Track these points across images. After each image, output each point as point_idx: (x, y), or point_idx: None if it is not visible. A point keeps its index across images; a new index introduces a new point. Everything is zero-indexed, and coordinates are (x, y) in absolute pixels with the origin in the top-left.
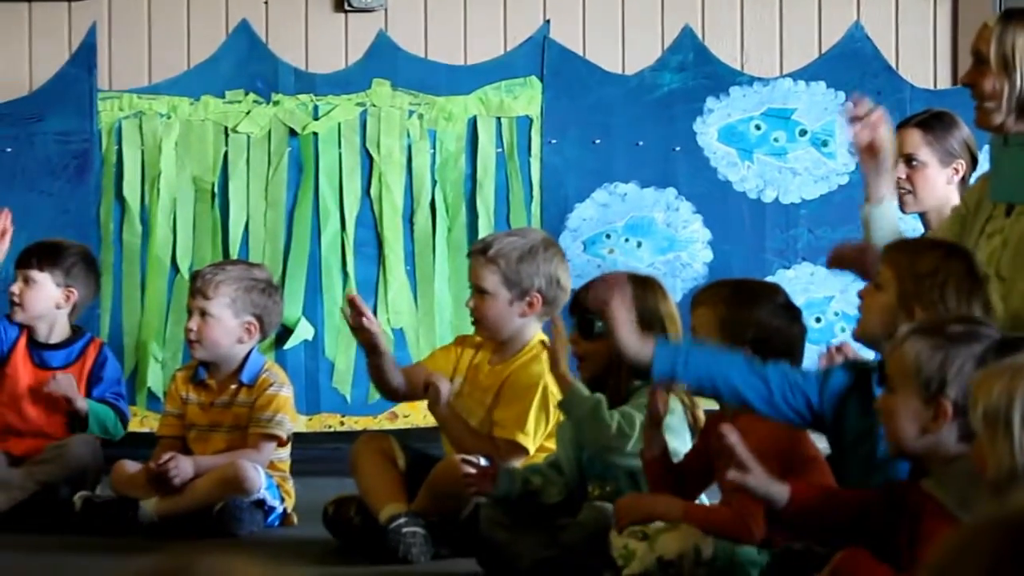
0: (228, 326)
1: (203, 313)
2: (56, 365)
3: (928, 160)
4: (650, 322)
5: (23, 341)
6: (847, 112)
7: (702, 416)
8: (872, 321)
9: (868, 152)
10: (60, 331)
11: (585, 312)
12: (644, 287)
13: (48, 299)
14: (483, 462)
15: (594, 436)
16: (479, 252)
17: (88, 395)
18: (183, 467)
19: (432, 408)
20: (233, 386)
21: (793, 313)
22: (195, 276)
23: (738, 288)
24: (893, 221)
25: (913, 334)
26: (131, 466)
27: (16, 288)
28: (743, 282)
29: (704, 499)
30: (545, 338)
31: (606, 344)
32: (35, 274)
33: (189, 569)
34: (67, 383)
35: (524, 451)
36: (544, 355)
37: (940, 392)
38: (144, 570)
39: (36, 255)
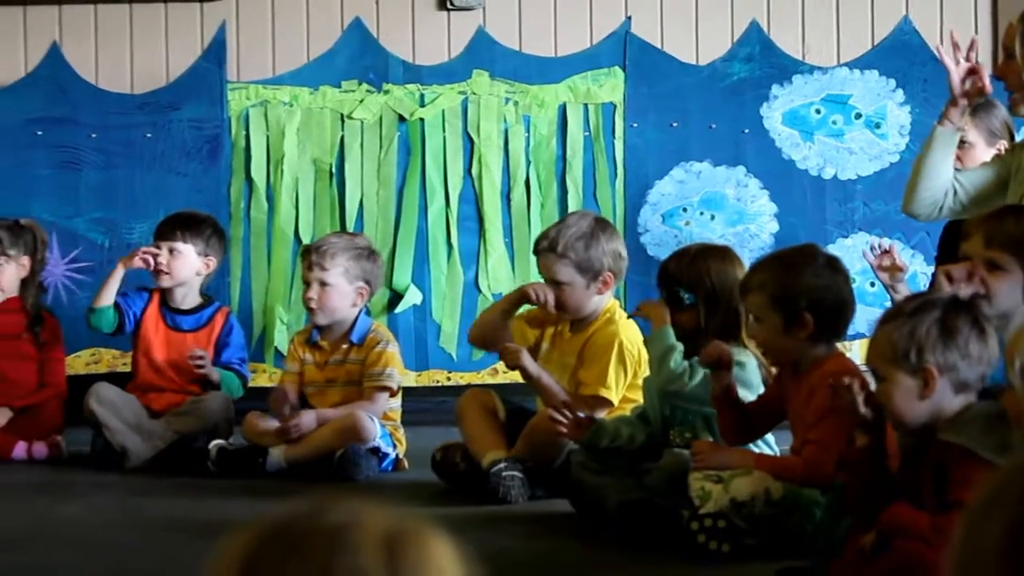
0: (344, 292)
1: (321, 283)
2: (187, 328)
3: (975, 141)
4: (731, 290)
5: (155, 305)
6: (943, 50)
7: (774, 369)
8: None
9: (968, 80)
10: (192, 297)
11: (672, 284)
12: (722, 258)
13: (190, 267)
14: (579, 413)
15: (660, 373)
16: (548, 249)
17: (216, 357)
18: (306, 422)
19: (520, 370)
20: (344, 346)
21: (834, 265)
22: (308, 250)
23: (779, 263)
24: (951, 153)
25: (879, 325)
26: (261, 417)
27: (162, 258)
28: (782, 255)
29: (771, 441)
30: (615, 304)
31: (694, 314)
32: (179, 245)
33: (323, 514)
34: (207, 365)
35: (608, 403)
36: (618, 315)
37: (920, 360)
38: (282, 514)
39: (179, 227)
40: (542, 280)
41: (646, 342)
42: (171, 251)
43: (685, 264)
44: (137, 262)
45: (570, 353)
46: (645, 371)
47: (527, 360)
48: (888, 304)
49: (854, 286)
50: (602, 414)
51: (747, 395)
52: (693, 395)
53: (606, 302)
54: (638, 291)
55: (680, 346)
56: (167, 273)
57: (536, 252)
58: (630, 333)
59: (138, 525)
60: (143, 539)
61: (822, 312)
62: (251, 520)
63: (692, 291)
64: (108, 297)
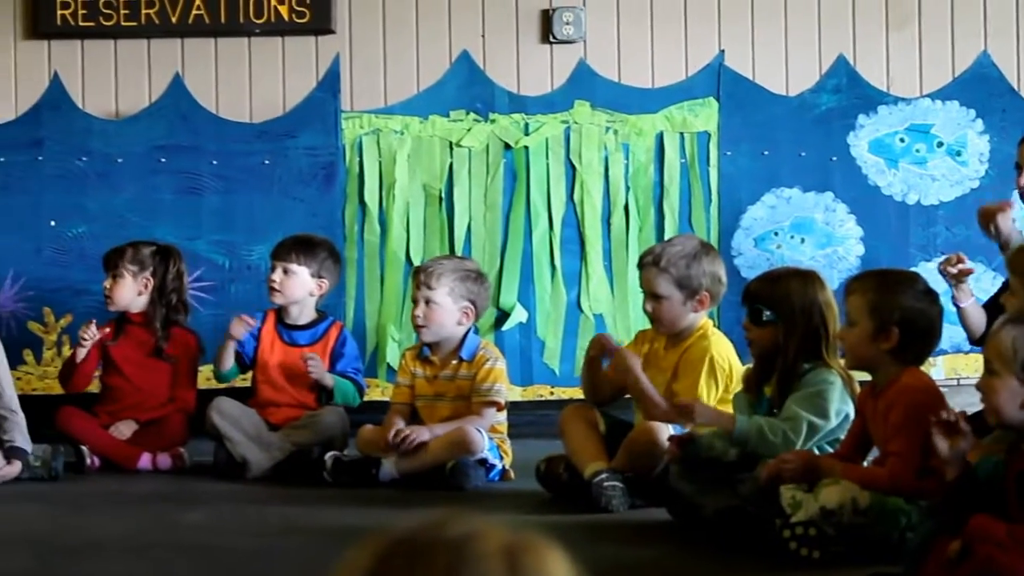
0: (449, 310)
1: (428, 301)
2: (303, 343)
3: None
4: (811, 310)
5: (271, 323)
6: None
7: (857, 387)
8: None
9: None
10: (307, 314)
11: (755, 302)
12: (805, 280)
13: (304, 287)
14: (675, 430)
15: (769, 451)
16: (651, 264)
17: (331, 369)
18: (420, 436)
19: (622, 375)
20: (454, 362)
21: (932, 296)
22: (417, 271)
23: (885, 277)
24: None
25: (1009, 323)
26: (374, 430)
27: (276, 277)
28: (889, 272)
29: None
30: (708, 323)
31: (773, 330)
32: (293, 266)
33: (446, 526)
34: (318, 367)
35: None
36: (711, 331)
37: None
38: (407, 526)
39: (295, 249)
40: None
41: (735, 441)
42: (285, 271)
43: (768, 284)
44: (241, 331)
45: (666, 369)
46: (736, 386)
47: (637, 366)
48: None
49: None
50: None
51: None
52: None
53: (700, 318)
54: (732, 311)
55: (763, 422)
56: (279, 292)
57: (640, 265)
58: (722, 349)
59: (258, 532)
60: (263, 545)
61: (910, 332)
62: (377, 531)
63: (773, 310)
64: (227, 362)
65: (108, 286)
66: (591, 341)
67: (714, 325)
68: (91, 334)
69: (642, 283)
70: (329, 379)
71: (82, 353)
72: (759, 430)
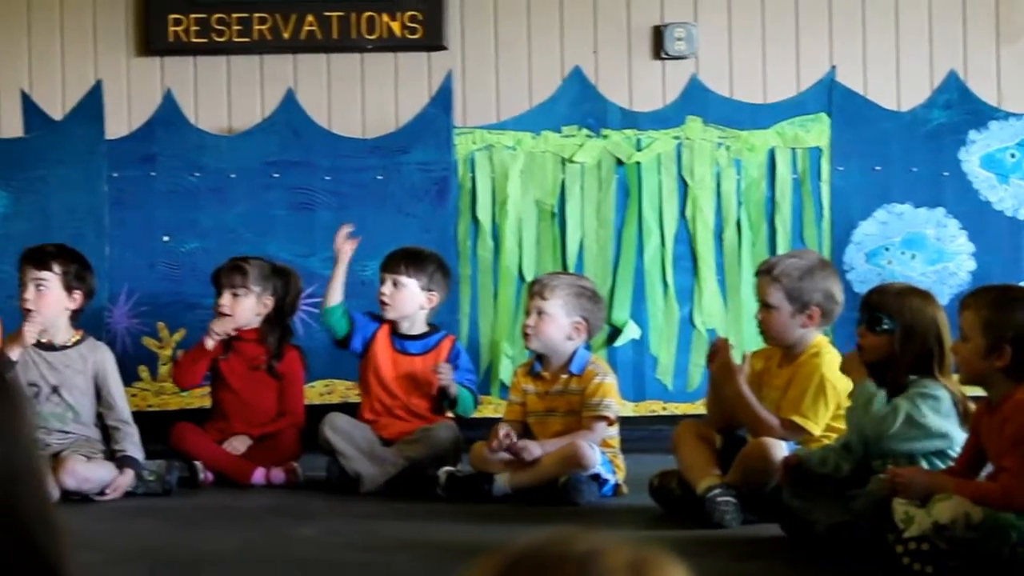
0: (560, 323)
1: (540, 312)
2: (414, 352)
3: None
4: (929, 328)
5: (385, 332)
6: None
7: (972, 405)
8: None
9: None
10: (419, 327)
11: (876, 310)
12: (923, 297)
13: (413, 300)
14: (786, 448)
15: (864, 421)
16: (765, 272)
17: None
18: (532, 451)
19: (726, 384)
20: (564, 376)
21: None
22: (534, 282)
23: (1000, 294)
24: None
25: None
26: (487, 446)
27: (386, 290)
28: (1004, 288)
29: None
30: (823, 339)
31: (888, 340)
32: (403, 278)
33: (572, 542)
34: (447, 375)
35: (805, 431)
36: (824, 350)
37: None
38: (533, 541)
39: (403, 261)
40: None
41: (850, 395)
42: (395, 284)
43: (889, 296)
44: (349, 248)
45: (779, 387)
46: (847, 402)
47: (740, 376)
48: None
49: None
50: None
51: (944, 424)
52: (897, 435)
53: (813, 337)
54: (845, 326)
55: (882, 393)
56: (390, 305)
57: (756, 273)
58: (834, 368)
59: (372, 546)
60: (377, 560)
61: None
62: (499, 546)
63: (893, 320)
64: (336, 295)
65: (227, 303)
66: (712, 347)
67: (830, 343)
68: (223, 329)
69: (756, 291)
70: (455, 389)
71: (210, 343)
72: (871, 396)
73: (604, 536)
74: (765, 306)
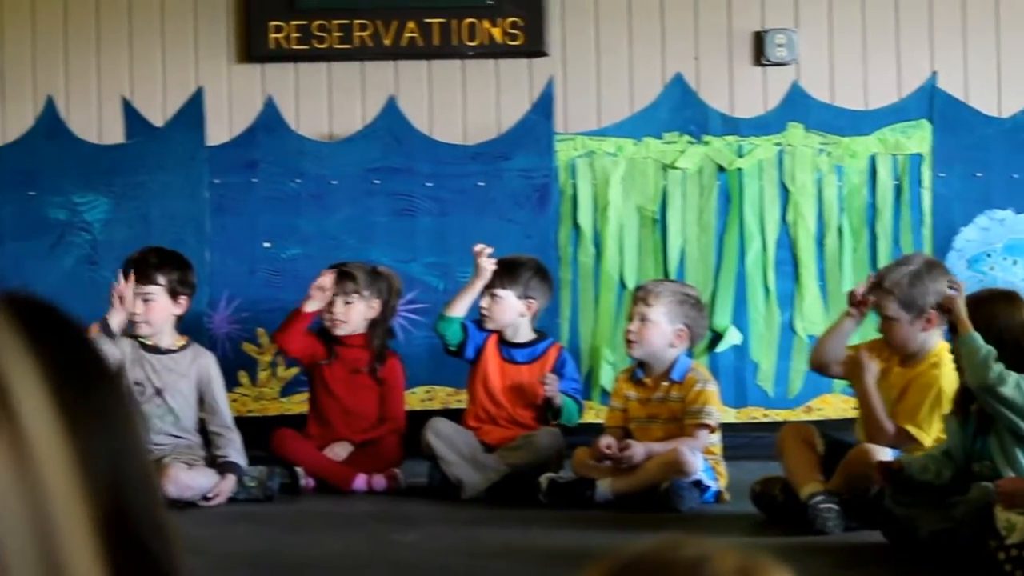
0: (663, 330)
1: (643, 318)
2: (521, 361)
3: None
4: (1016, 331)
5: (493, 340)
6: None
7: None
8: None
9: None
10: (524, 334)
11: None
12: (1008, 301)
13: (512, 310)
14: (890, 455)
15: (976, 373)
16: (876, 285)
17: None
18: (636, 452)
19: (854, 380)
20: (665, 383)
21: None
22: (638, 288)
23: None
24: None
25: None
26: (589, 452)
27: (484, 303)
28: None
29: None
30: (945, 345)
31: None
32: (498, 291)
33: (681, 548)
34: (554, 387)
35: (914, 440)
36: (944, 359)
37: None
38: (641, 546)
39: (498, 274)
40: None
41: (955, 348)
42: (492, 296)
43: (972, 307)
44: (490, 266)
45: (894, 386)
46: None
47: (870, 375)
48: None
49: None
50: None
51: None
52: (1008, 400)
53: (935, 343)
54: None
55: (994, 350)
56: (488, 316)
57: (869, 288)
58: (952, 380)
59: (474, 552)
60: (479, 566)
61: None
62: (605, 552)
63: (979, 331)
64: (461, 308)
65: (340, 311)
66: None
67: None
68: (327, 284)
69: (872, 305)
70: (559, 399)
71: (312, 306)
72: (988, 352)
73: (712, 542)
74: (884, 318)
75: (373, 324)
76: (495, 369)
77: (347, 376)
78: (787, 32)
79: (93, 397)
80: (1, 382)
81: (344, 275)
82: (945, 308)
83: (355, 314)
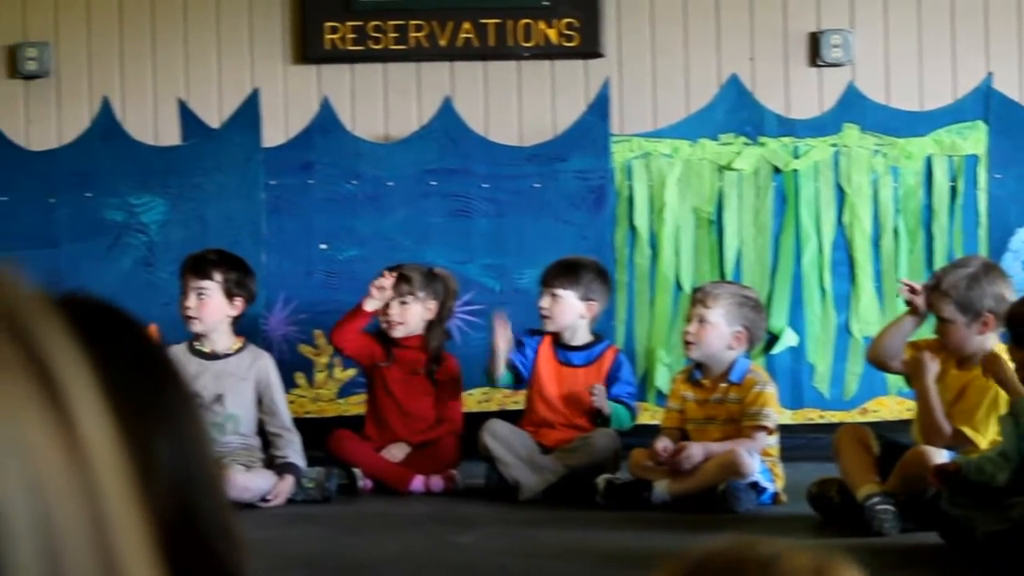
0: (721, 332)
1: (701, 320)
2: (577, 363)
3: None
4: None
5: (548, 344)
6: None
7: None
8: None
9: None
10: (581, 336)
11: (1019, 326)
12: None
13: (573, 311)
14: (946, 456)
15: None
16: (933, 287)
17: (607, 391)
18: (694, 453)
19: (914, 379)
20: (723, 385)
21: None
22: (696, 289)
23: None
24: None
25: None
26: (646, 453)
27: (545, 303)
28: None
29: None
30: (1002, 347)
31: None
32: (560, 291)
33: (754, 547)
34: (601, 397)
35: (970, 441)
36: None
37: None
38: (713, 545)
39: (559, 274)
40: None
41: (1012, 405)
42: (553, 296)
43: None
44: (503, 342)
45: (951, 388)
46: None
47: (930, 376)
48: None
49: None
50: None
51: None
52: None
53: (991, 345)
54: None
55: None
56: (550, 318)
57: (927, 289)
58: None
59: (532, 554)
60: (537, 567)
61: None
62: (678, 551)
63: None
64: (499, 368)
65: (397, 312)
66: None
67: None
68: (387, 285)
69: (928, 306)
70: (608, 408)
71: (371, 304)
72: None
73: (784, 541)
74: (940, 320)
75: (430, 326)
76: (550, 373)
77: (405, 378)
78: (843, 33)
79: (155, 398)
80: (57, 384)
81: (400, 277)
82: (987, 369)
83: (411, 316)
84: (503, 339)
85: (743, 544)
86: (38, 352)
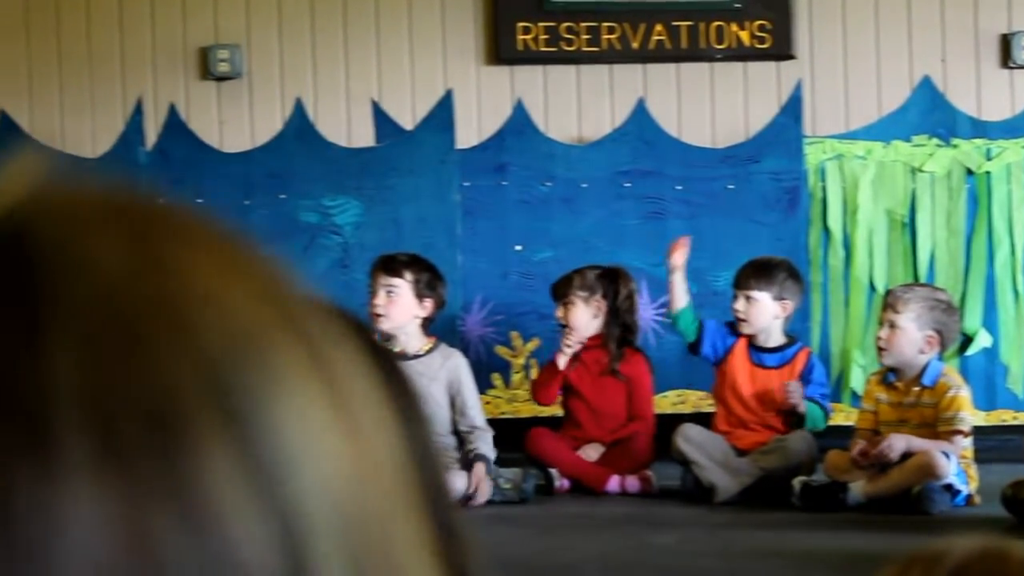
0: (912, 337)
1: (892, 325)
2: (770, 365)
3: None
4: None
5: (742, 345)
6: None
7: None
8: None
9: None
10: (775, 337)
11: None
12: None
13: (767, 312)
14: None
15: None
16: None
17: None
18: (896, 445)
19: None
20: (916, 388)
21: None
22: (887, 293)
23: None
24: None
25: None
26: (841, 455)
27: (739, 306)
28: None
29: None
30: None
31: None
32: (754, 293)
33: (1010, 551)
34: (797, 394)
35: None
36: None
37: None
38: (965, 550)
39: (752, 276)
40: None
41: None
42: (747, 299)
43: None
44: (680, 258)
45: None
46: None
47: None
48: None
49: None
50: None
51: None
52: None
53: None
54: None
55: None
56: (745, 320)
57: None
58: None
59: (729, 555)
60: (735, 569)
61: None
62: (918, 553)
63: None
64: (680, 299)
65: (562, 315)
66: None
67: None
68: (576, 341)
69: None
70: (803, 406)
71: (563, 361)
72: None
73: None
74: None
75: (606, 323)
76: (744, 374)
77: (592, 378)
78: None
79: (408, 401)
80: (343, 390)
81: (557, 284)
82: None
83: (579, 316)
84: (680, 256)
85: (997, 545)
86: (324, 358)
